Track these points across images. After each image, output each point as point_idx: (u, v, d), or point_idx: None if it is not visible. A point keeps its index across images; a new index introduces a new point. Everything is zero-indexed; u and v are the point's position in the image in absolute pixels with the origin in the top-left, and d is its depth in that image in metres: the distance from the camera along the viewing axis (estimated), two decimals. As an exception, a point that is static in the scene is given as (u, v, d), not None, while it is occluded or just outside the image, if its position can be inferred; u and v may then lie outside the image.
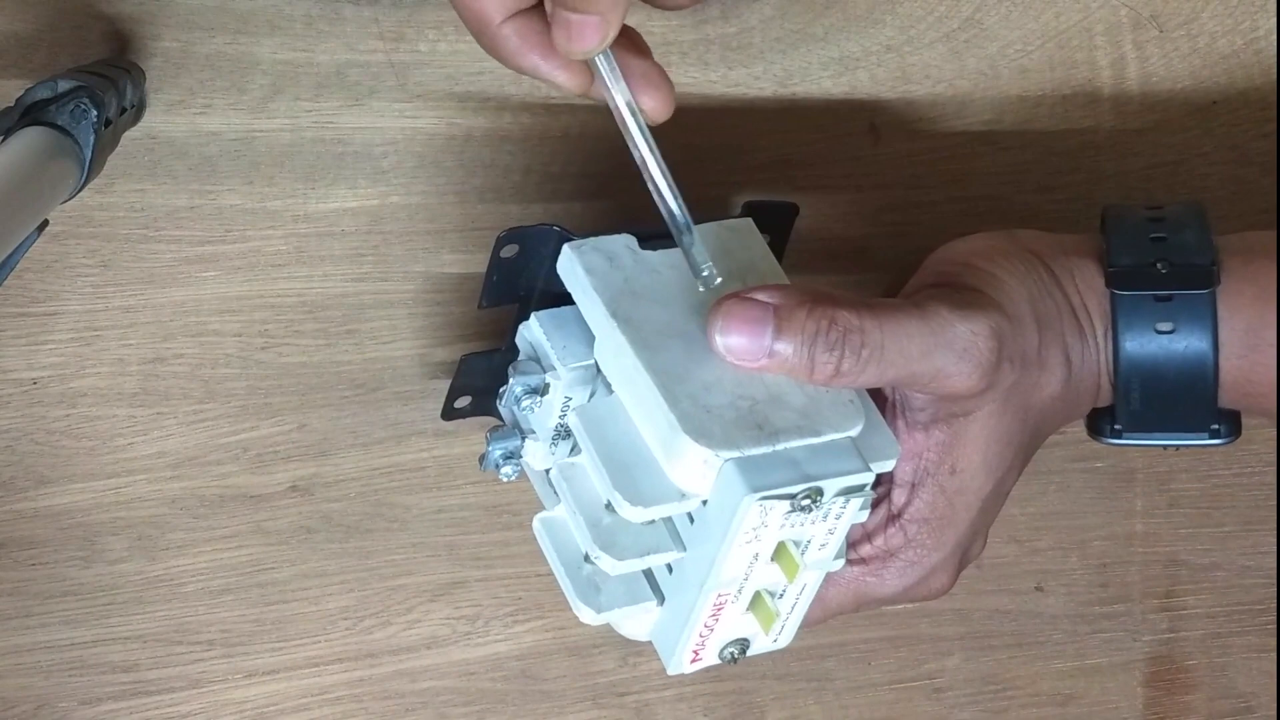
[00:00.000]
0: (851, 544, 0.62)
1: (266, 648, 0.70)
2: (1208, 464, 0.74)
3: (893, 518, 0.62)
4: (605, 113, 0.69)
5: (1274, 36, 0.72)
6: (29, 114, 0.60)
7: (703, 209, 0.69)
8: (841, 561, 0.59)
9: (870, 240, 0.71)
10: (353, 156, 0.68)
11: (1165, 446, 0.65)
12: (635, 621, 0.61)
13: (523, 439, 0.62)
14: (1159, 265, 0.63)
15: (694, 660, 0.60)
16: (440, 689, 0.71)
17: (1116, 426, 0.64)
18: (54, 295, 0.67)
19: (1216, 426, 0.64)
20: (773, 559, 0.58)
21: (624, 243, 0.60)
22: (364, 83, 0.67)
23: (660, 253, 0.60)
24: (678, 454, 0.57)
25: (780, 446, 0.56)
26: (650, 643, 0.61)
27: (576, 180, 0.69)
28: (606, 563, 0.58)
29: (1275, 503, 0.73)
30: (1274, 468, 0.73)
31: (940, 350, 0.59)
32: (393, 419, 0.69)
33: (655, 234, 0.60)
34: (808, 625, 0.62)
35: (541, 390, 0.61)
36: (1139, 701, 0.75)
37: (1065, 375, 0.63)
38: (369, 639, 0.70)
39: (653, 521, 0.58)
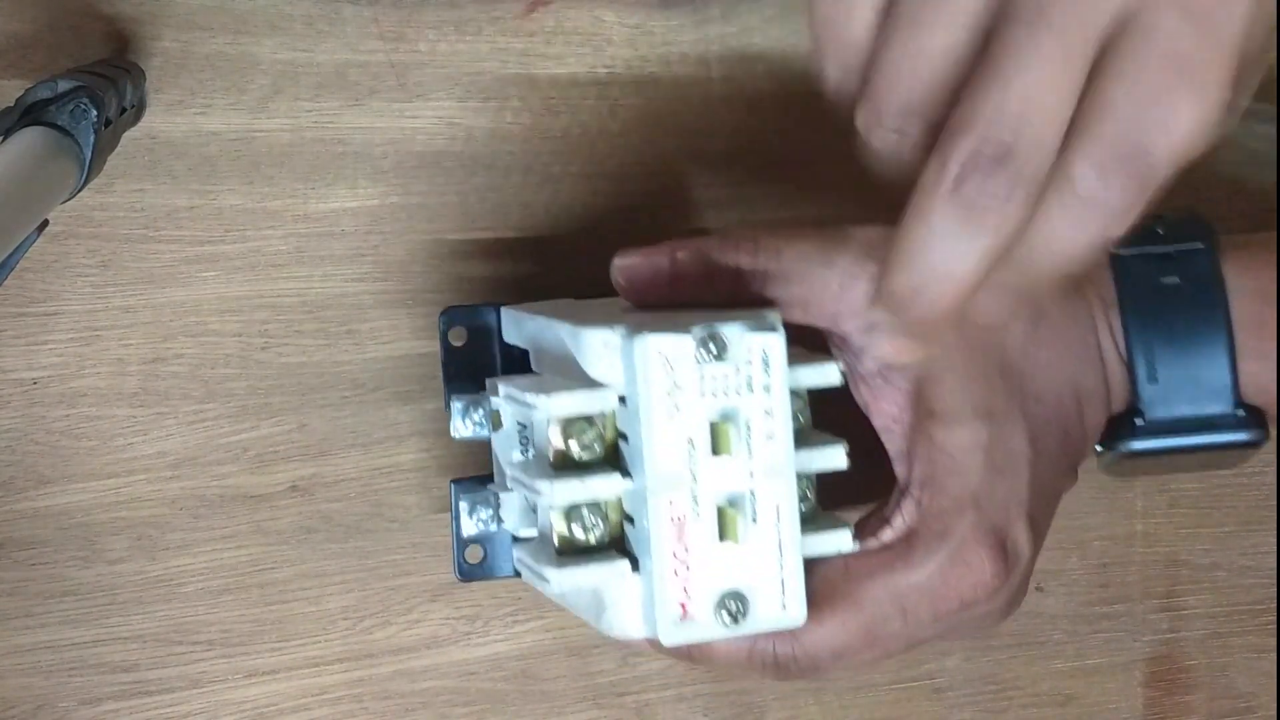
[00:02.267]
0: (871, 531, 0.60)
1: (266, 648, 0.70)
2: (1208, 464, 0.74)
3: (902, 494, 0.60)
4: (605, 113, 0.69)
5: (1274, 36, 0.72)
6: (29, 114, 0.60)
7: (703, 209, 0.70)
8: (847, 534, 0.58)
9: (870, 240, 0.71)
10: (353, 156, 0.68)
11: (1194, 449, 0.63)
12: (622, 607, 0.58)
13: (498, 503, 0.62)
14: (1157, 229, 0.63)
15: (684, 616, 0.56)
16: (440, 689, 0.71)
17: (1140, 408, 0.62)
18: (54, 295, 0.67)
19: (1243, 414, 0.62)
20: (715, 452, 0.56)
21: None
22: (364, 83, 0.67)
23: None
24: (582, 348, 0.56)
25: (682, 319, 0.56)
26: (650, 648, 0.61)
27: (576, 180, 0.69)
28: (544, 488, 0.56)
29: (1275, 503, 0.73)
30: (1274, 468, 0.73)
31: (838, 251, 0.59)
32: (393, 419, 0.69)
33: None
34: (854, 658, 0.59)
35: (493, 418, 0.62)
36: (1139, 701, 0.75)
37: (1034, 318, 0.61)
38: (369, 639, 0.70)
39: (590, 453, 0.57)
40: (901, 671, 0.73)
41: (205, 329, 0.68)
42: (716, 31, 0.69)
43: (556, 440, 0.57)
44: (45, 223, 0.59)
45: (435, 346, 0.68)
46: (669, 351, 0.55)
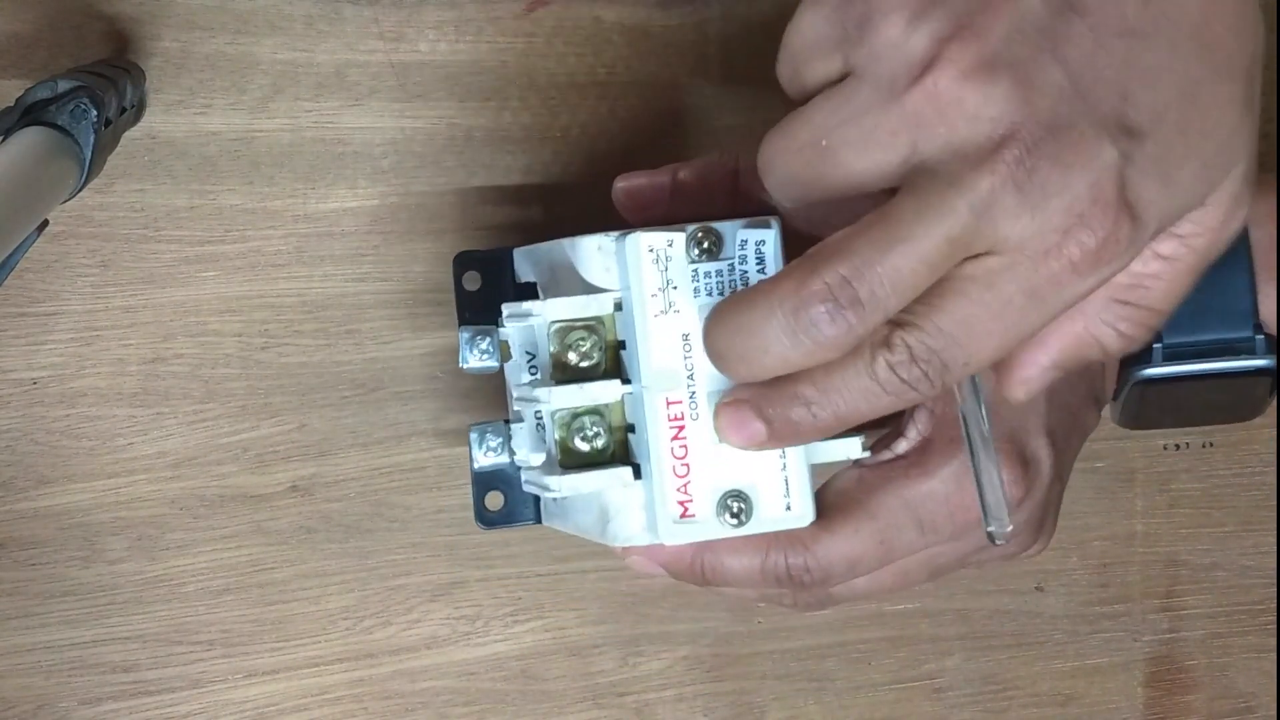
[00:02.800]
0: (885, 444, 0.60)
1: (266, 648, 0.70)
2: (1208, 464, 0.74)
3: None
4: (605, 113, 0.69)
5: (1274, 36, 0.72)
6: (29, 114, 0.60)
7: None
8: (857, 441, 0.57)
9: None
10: (353, 156, 0.68)
11: (1214, 375, 0.62)
12: (625, 516, 0.57)
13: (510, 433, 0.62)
14: None
15: (685, 514, 0.56)
16: (440, 689, 0.71)
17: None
18: (54, 295, 0.67)
19: (1260, 337, 0.61)
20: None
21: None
22: (364, 82, 0.67)
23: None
24: (579, 254, 0.57)
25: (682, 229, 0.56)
26: (660, 568, 0.60)
27: (576, 180, 0.69)
28: (544, 394, 0.56)
29: (1275, 503, 0.73)
30: (1274, 468, 0.73)
31: None
32: (393, 419, 0.69)
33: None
34: (870, 569, 0.58)
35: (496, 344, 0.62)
36: (1139, 702, 0.75)
37: None
38: (369, 639, 0.70)
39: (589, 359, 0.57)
40: (901, 671, 0.73)
41: (205, 329, 0.68)
42: (716, 31, 0.69)
43: (556, 349, 0.57)
44: (45, 223, 0.59)
45: (435, 346, 0.68)
46: (661, 247, 0.55)
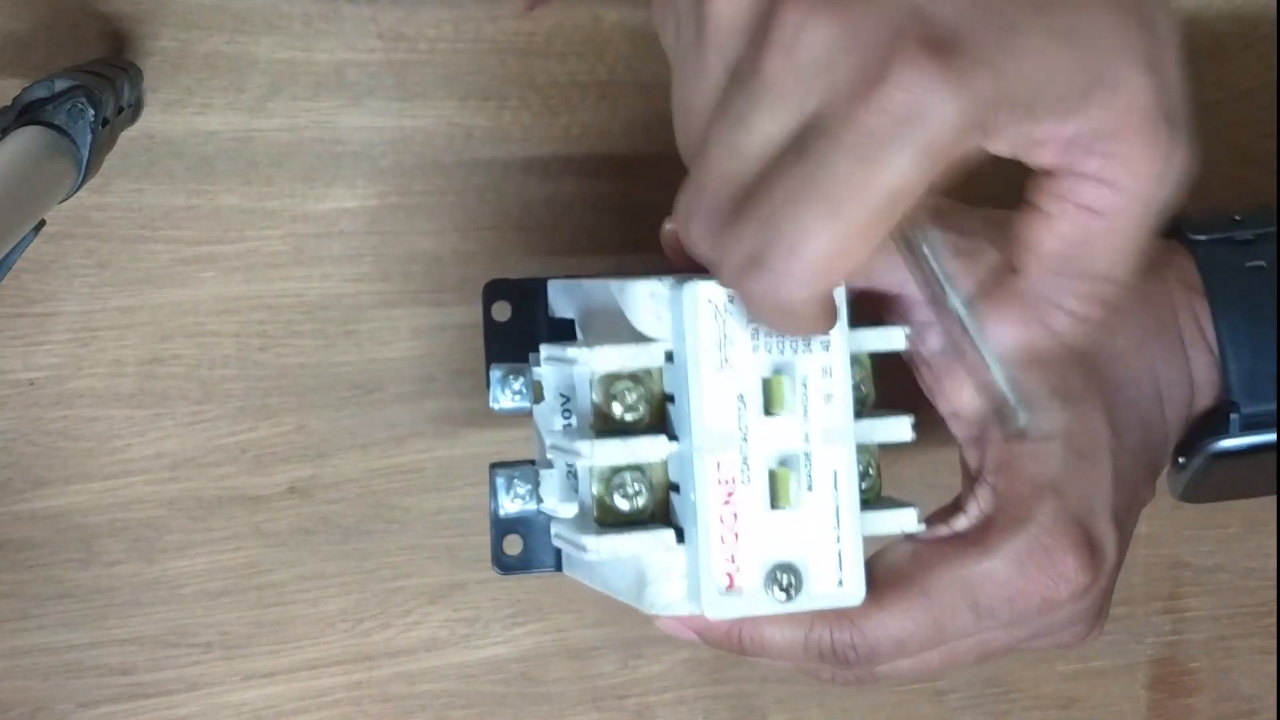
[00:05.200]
0: (941, 519, 0.57)
1: (265, 650, 0.69)
2: (1211, 465, 0.74)
3: (975, 481, 0.56)
4: (605, 113, 0.69)
5: (1274, 37, 0.72)
6: (25, 113, 0.59)
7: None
8: (913, 513, 0.54)
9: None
10: (351, 156, 0.68)
11: None
12: (665, 582, 0.54)
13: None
14: (1234, 216, 0.59)
15: (731, 587, 0.53)
16: (439, 691, 0.71)
17: (1234, 399, 0.58)
18: (51, 296, 0.67)
19: None
20: (767, 411, 0.53)
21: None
22: (363, 82, 0.67)
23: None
24: (628, 300, 0.54)
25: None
26: (696, 638, 0.57)
27: (577, 180, 0.69)
28: (585, 448, 0.53)
29: (1277, 504, 0.73)
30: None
31: None
32: (392, 420, 0.69)
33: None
34: (918, 651, 0.55)
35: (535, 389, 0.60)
36: (1142, 704, 0.75)
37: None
38: (368, 641, 0.70)
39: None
40: (903, 674, 0.73)
41: (203, 329, 0.68)
42: (717, 31, 0.69)
43: (599, 400, 0.54)
44: (42, 223, 0.59)
45: (434, 347, 0.68)
46: (719, 300, 0.52)
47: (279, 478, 0.69)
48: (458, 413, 0.69)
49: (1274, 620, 0.75)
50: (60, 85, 0.60)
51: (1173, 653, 0.75)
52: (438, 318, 0.68)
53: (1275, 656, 0.75)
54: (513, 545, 0.62)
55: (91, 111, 0.59)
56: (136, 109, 0.65)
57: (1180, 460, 0.61)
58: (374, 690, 0.70)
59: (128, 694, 0.69)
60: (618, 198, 0.69)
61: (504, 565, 0.62)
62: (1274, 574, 0.74)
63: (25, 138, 0.59)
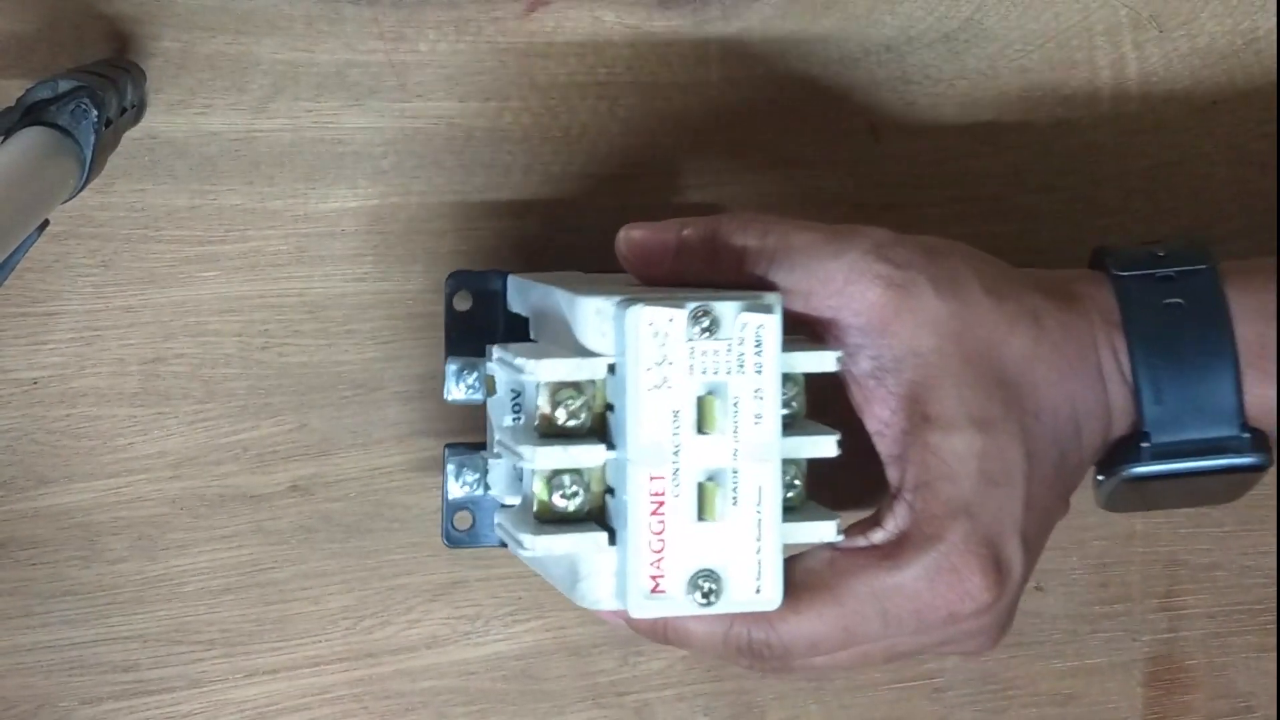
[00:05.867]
0: (860, 531, 0.60)
1: (266, 647, 0.70)
2: (1207, 464, 0.74)
3: (894, 498, 0.59)
4: (605, 113, 0.69)
5: (1274, 36, 0.72)
6: (29, 114, 0.60)
7: (702, 210, 0.70)
8: (832, 524, 0.58)
9: (870, 240, 0.71)
10: (353, 156, 0.68)
11: (1200, 473, 0.62)
12: (596, 579, 0.58)
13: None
14: (1156, 251, 0.62)
15: (655, 590, 0.56)
16: (440, 688, 0.71)
17: (1146, 430, 0.61)
18: (54, 295, 0.67)
19: (1246, 435, 0.61)
20: (700, 429, 0.56)
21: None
22: (364, 82, 0.67)
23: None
24: (577, 315, 0.56)
25: (680, 295, 0.56)
26: (624, 623, 0.60)
27: (576, 180, 0.69)
28: (528, 452, 0.56)
29: (1275, 502, 0.73)
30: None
31: (848, 245, 0.59)
32: (393, 419, 0.69)
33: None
34: (829, 653, 0.59)
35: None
36: (1139, 701, 0.75)
37: (1034, 333, 0.60)
38: (369, 638, 0.70)
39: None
40: (901, 671, 0.73)
41: (206, 329, 0.68)
42: (716, 31, 0.69)
43: (544, 406, 0.57)
44: (46, 223, 0.59)
45: (434, 347, 0.68)
46: (661, 323, 0.55)
47: (281, 476, 0.69)
48: (458, 412, 0.69)
49: (1270, 617, 0.75)
50: (64, 86, 0.60)
51: (1169, 650, 0.75)
52: (438, 317, 0.68)
53: (1273, 653, 0.75)
54: (463, 521, 0.66)
55: (95, 112, 0.59)
56: (139, 109, 0.65)
57: (1100, 478, 0.64)
58: (375, 687, 0.70)
59: (130, 691, 0.69)
60: (617, 198, 0.69)
61: (453, 540, 0.66)
62: (1270, 571, 0.74)
63: (29, 138, 0.59)
